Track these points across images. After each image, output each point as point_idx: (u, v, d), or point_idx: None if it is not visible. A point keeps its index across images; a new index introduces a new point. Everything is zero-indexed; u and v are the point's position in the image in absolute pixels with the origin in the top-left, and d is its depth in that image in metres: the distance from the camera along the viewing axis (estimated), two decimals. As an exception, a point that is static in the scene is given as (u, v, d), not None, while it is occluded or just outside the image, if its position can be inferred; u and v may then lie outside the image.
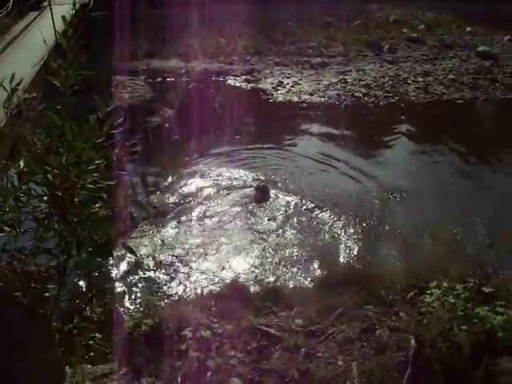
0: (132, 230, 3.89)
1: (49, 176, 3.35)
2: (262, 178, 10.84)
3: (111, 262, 3.77)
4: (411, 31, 23.78)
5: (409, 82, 17.93)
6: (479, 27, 24.23)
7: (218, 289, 6.84)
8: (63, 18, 3.86)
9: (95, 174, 3.61)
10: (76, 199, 3.41)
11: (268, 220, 9.23)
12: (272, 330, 6.00)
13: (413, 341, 5.63)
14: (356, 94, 16.55)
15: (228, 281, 7.09)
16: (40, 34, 16.24)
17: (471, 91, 17.34)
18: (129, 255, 3.75)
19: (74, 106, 3.96)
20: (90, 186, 3.41)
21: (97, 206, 3.69)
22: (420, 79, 18.23)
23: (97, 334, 4.32)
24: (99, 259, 3.73)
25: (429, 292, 6.20)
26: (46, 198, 3.36)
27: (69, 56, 4.03)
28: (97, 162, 3.48)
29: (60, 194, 3.15)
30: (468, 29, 24.25)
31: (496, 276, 7.03)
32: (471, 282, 6.42)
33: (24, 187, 3.73)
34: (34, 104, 4.20)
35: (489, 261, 7.45)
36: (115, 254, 3.77)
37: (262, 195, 10.08)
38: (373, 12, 26.15)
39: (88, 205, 3.61)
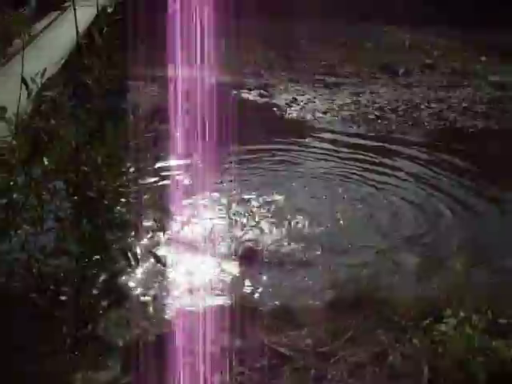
0: (159, 236, 3.81)
1: (79, 176, 3.23)
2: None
3: (133, 268, 3.67)
4: (426, 57, 23.78)
5: (422, 107, 17.89)
6: (491, 57, 24.21)
7: (229, 303, 6.72)
8: (104, 9, 3.78)
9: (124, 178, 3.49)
10: (105, 202, 3.30)
11: None
12: (282, 349, 5.87)
13: (426, 369, 5.51)
14: (369, 116, 16.52)
15: (238, 295, 6.97)
16: (60, 34, 16.29)
17: (484, 120, 17.27)
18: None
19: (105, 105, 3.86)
20: (121, 189, 3.30)
21: (123, 209, 3.57)
22: (433, 105, 18.19)
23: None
24: (123, 265, 3.62)
25: (444, 321, 6.07)
26: (75, 198, 3.23)
27: (103, 55, 3.94)
28: (128, 164, 3.38)
29: (92, 195, 3.05)
30: (481, 58, 24.24)
31: (510, 308, 6.89)
32: (487, 312, 6.29)
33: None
34: (62, 100, 4.09)
35: (503, 292, 7.34)
36: (139, 261, 3.67)
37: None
38: (385, 35, 26.18)
39: (115, 208, 3.49)
